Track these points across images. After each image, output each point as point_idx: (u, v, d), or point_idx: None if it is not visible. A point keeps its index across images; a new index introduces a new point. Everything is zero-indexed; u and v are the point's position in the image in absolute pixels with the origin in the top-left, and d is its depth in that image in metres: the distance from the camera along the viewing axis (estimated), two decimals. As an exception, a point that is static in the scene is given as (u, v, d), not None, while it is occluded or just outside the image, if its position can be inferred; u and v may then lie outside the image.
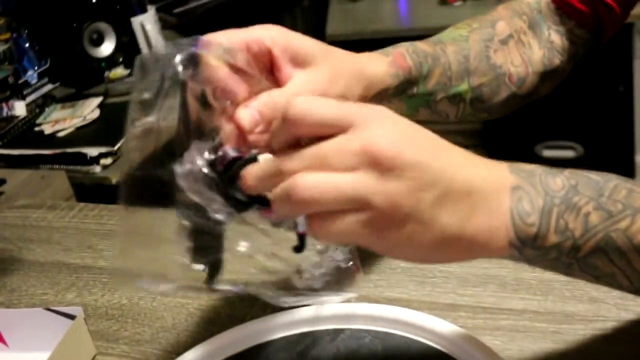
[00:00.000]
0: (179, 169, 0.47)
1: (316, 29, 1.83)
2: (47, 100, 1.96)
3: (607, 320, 0.64)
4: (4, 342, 0.75)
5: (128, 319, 0.77)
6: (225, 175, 0.48)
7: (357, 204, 0.42)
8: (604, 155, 2.24)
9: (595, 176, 0.47)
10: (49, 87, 2.07)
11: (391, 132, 0.43)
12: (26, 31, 2.05)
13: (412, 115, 0.71)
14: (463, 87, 0.73)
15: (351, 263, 0.55)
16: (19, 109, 1.90)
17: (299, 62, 0.56)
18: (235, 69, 0.53)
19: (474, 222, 0.44)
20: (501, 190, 0.45)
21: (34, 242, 0.95)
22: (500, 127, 2.28)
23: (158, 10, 2.27)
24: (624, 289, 0.48)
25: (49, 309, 0.72)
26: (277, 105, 0.52)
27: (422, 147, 0.44)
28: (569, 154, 2.29)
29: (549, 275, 0.70)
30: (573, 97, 2.11)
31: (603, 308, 0.65)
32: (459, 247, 0.45)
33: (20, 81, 1.99)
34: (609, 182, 0.47)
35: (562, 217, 0.45)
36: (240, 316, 0.69)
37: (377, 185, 0.42)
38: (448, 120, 0.75)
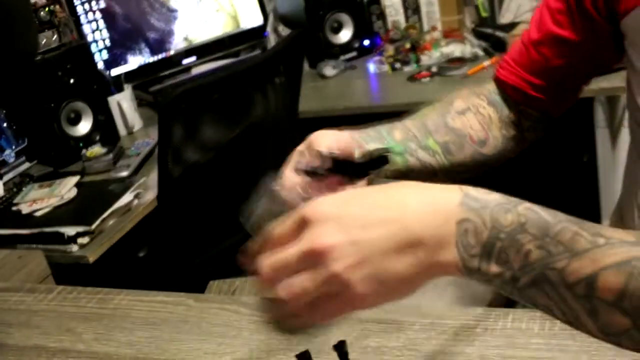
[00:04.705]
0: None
1: (289, 106, 1.89)
2: (25, 179, 1.98)
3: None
4: None
5: (107, 402, 0.78)
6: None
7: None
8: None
9: (547, 216, 0.51)
10: (26, 165, 2.09)
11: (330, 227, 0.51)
12: (4, 111, 2.08)
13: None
14: (430, 141, 0.81)
15: None
16: (-4, 188, 1.91)
17: None
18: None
19: (426, 264, 0.51)
20: (449, 223, 0.51)
21: (12, 326, 0.97)
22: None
23: (134, 88, 2.32)
24: (560, 320, 0.52)
25: (29, 395, 0.73)
26: None
27: (351, 225, 0.51)
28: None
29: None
30: (537, 168, 2.17)
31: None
32: (418, 283, 0.52)
33: (-2, 161, 2.01)
34: (559, 223, 0.51)
35: (504, 251, 0.50)
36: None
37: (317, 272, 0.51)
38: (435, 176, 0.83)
